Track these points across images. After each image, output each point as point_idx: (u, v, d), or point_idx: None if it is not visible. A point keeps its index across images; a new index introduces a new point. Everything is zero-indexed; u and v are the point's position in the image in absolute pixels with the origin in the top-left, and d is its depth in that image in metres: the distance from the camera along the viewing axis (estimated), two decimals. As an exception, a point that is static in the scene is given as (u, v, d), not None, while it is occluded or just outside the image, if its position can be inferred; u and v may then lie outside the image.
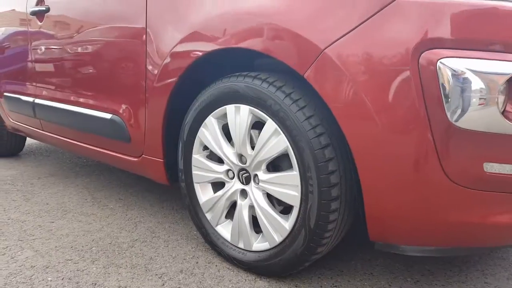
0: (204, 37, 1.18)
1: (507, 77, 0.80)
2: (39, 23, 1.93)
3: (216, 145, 1.22)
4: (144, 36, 1.38)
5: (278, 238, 1.11)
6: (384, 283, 1.18)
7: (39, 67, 2.01)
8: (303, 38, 0.96)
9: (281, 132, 1.05)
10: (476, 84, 0.81)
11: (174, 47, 1.26)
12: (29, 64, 2.10)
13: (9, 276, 1.19)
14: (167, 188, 2.04)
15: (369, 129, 0.89)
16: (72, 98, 1.78)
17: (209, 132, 1.23)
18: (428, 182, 0.87)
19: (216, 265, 1.25)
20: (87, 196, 1.95)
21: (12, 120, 2.47)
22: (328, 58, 0.92)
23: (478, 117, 0.82)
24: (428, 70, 0.83)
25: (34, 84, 2.07)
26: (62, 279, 1.18)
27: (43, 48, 1.93)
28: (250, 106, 1.11)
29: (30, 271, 1.22)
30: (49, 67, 1.91)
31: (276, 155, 1.08)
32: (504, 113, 0.82)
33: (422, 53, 0.83)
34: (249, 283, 1.16)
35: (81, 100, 1.72)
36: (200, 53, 1.19)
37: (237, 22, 1.09)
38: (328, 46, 0.92)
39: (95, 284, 1.14)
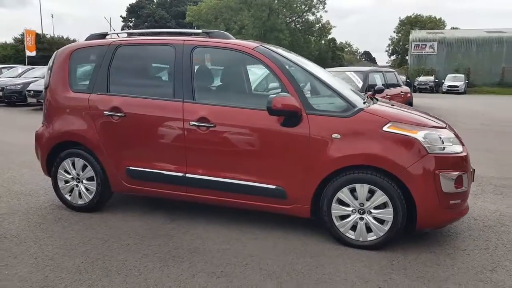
0: (344, 158, 2.85)
1: (456, 175, 2.81)
2: (201, 132, 3.14)
3: (348, 199, 2.91)
4: (309, 141, 2.91)
5: (381, 233, 2.90)
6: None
7: (199, 155, 3.22)
8: (395, 163, 2.77)
9: (384, 195, 2.83)
10: (448, 177, 2.78)
11: (333, 159, 2.87)
12: (181, 152, 3.25)
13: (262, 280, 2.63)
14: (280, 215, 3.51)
15: (421, 189, 2.79)
16: (234, 175, 3.12)
17: (344, 194, 2.92)
18: (436, 206, 2.82)
19: (350, 249, 2.95)
20: (233, 230, 3.27)
21: (130, 185, 3.48)
22: (408, 171, 2.76)
23: (447, 186, 2.79)
24: (435, 174, 2.76)
25: (185, 164, 3.24)
26: (297, 271, 2.68)
27: (208, 145, 3.16)
28: (369, 185, 2.85)
29: (269, 279, 2.67)
30: (213, 157, 3.18)
31: (380, 203, 2.86)
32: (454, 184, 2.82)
33: (435, 170, 2.76)
34: (367, 252, 2.90)
35: (244, 176, 3.09)
36: (346, 164, 2.87)
37: (359, 156, 2.82)
38: (407, 167, 2.75)
39: (309, 270, 2.70)
